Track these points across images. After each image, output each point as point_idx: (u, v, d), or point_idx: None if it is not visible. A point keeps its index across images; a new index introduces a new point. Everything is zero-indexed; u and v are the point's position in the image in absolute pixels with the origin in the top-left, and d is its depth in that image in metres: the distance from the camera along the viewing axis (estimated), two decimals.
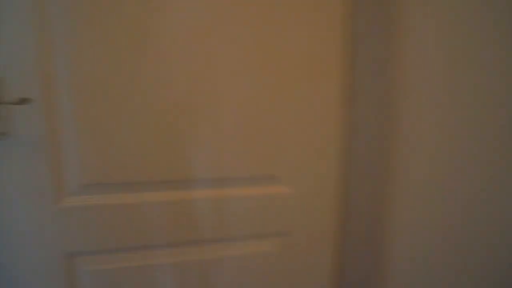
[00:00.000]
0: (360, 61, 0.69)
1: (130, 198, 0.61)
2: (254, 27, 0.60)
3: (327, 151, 0.70)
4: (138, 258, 0.63)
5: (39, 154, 0.54)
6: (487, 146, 0.54)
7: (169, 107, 0.59)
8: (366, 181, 0.76)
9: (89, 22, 0.52)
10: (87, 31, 0.52)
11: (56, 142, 0.55)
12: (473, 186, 0.57)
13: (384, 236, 0.75)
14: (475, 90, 0.54)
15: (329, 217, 0.74)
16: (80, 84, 0.54)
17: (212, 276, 0.68)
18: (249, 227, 0.69)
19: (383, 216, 0.74)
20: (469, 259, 0.59)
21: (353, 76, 0.69)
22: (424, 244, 0.66)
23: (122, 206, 0.61)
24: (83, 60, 0.53)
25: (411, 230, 0.69)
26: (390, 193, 0.72)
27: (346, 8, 0.64)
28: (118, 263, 0.63)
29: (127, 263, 0.63)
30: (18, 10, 0.48)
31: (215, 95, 0.61)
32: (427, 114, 0.63)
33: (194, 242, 0.66)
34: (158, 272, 0.65)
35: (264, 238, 0.71)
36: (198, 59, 0.59)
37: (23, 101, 0.48)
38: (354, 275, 0.80)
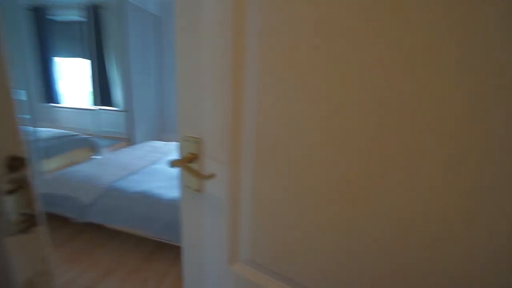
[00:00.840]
0: None
1: None
2: None
3: None
4: None
5: (222, 214, 0.57)
6: None
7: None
8: None
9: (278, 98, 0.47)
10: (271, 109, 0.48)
11: (235, 206, 0.56)
12: None
13: None
14: None
15: None
16: (266, 154, 0.50)
17: None
18: None
19: None
20: None
21: None
22: None
23: None
24: (268, 134, 0.49)
25: None
26: None
27: None
28: None
29: None
30: (222, 93, 0.51)
31: None
32: None
33: None
34: None
35: None
36: None
37: (210, 176, 0.54)
38: None
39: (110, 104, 4.14)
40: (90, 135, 3.61)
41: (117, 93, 4.14)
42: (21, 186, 0.41)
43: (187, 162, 0.56)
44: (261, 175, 0.51)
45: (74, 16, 3.95)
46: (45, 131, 3.36)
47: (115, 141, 4.25)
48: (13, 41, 2.41)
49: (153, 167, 2.23)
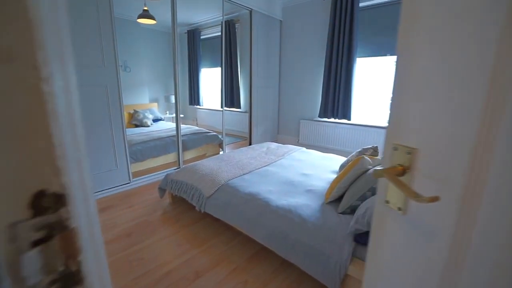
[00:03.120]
0: None
1: None
2: None
3: None
4: None
5: (436, 249, 0.47)
6: None
7: None
8: None
9: None
10: None
11: (460, 244, 0.43)
12: None
13: None
14: None
15: None
16: None
17: None
18: None
19: None
20: None
21: None
22: None
23: None
24: None
25: None
26: None
27: None
28: None
29: None
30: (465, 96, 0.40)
31: None
32: None
33: None
34: None
35: None
36: None
37: (432, 199, 0.42)
38: None
39: (235, 106, 4.63)
40: (219, 132, 4.14)
41: (242, 96, 4.57)
42: (52, 234, 0.27)
43: (395, 174, 0.48)
44: None
45: (216, 33, 4.67)
46: (187, 128, 4.12)
47: (238, 139, 4.73)
48: (172, 58, 3.04)
49: (266, 169, 2.23)
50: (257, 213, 1.60)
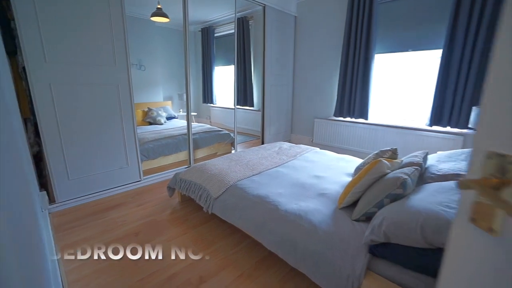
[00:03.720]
0: None
1: None
2: None
3: None
4: None
5: None
6: None
7: None
8: None
9: None
10: None
11: None
12: None
13: None
14: None
15: None
16: None
17: None
18: None
19: None
20: None
21: None
22: None
23: None
24: None
25: None
26: None
27: None
28: None
29: None
30: None
31: None
32: None
33: None
34: None
35: None
36: None
37: None
38: None
39: (248, 104, 4.56)
40: (231, 131, 4.08)
41: (255, 94, 4.50)
42: None
43: (488, 187, 0.40)
44: None
45: (229, 30, 4.61)
46: (199, 126, 4.10)
47: (250, 138, 4.66)
48: (190, 56, 3.01)
49: (277, 170, 2.14)
50: (265, 217, 1.52)
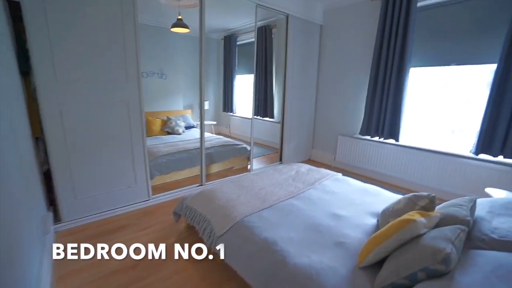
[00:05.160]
0: None
1: None
2: None
3: None
4: None
5: None
6: None
7: None
8: None
9: None
10: None
11: None
12: None
13: None
14: None
15: None
16: None
17: None
18: None
19: None
20: None
21: None
22: None
23: None
24: None
25: None
26: None
27: None
28: None
29: None
30: None
31: None
32: None
33: None
34: None
35: None
36: None
37: None
38: None
39: (268, 115, 4.36)
40: (247, 142, 3.89)
41: (275, 105, 4.28)
42: None
43: None
44: None
45: (252, 38, 4.46)
46: (216, 139, 3.97)
47: (268, 151, 4.45)
48: (208, 64, 2.89)
49: (291, 203, 1.92)
50: (270, 272, 1.30)
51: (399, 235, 1.12)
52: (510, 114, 2.36)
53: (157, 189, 2.75)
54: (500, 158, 2.49)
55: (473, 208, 1.41)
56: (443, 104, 3.01)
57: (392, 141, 3.24)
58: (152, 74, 4.41)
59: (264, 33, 4.05)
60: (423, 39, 2.95)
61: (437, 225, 1.26)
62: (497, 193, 2.18)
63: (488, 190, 2.25)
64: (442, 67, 2.91)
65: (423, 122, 3.19)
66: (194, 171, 3.34)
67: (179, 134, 4.38)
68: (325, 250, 1.38)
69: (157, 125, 4.33)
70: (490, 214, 1.40)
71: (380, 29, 3.13)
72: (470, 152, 2.66)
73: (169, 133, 4.37)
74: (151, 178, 2.70)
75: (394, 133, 3.16)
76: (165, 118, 4.49)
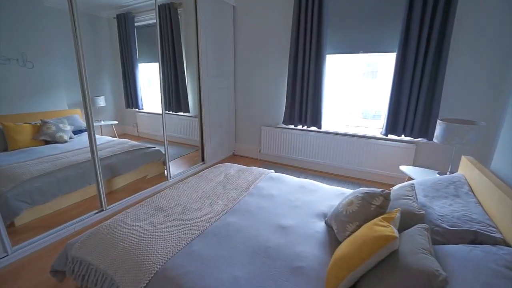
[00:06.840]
0: None
1: None
2: None
3: None
4: None
5: None
6: None
7: None
8: None
9: None
10: None
11: None
12: None
13: None
14: None
15: None
16: None
17: None
18: None
19: None
20: None
21: None
22: None
23: None
24: None
25: None
26: None
27: None
28: None
29: None
30: None
31: None
32: None
33: None
34: None
35: None
36: None
37: None
38: None
39: (182, 110, 3.77)
40: (161, 141, 3.24)
41: (190, 98, 3.73)
42: None
43: None
44: None
45: (153, 19, 3.69)
46: (119, 144, 3.14)
47: (188, 150, 3.89)
48: (99, 50, 2.06)
49: (226, 222, 1.52)
50: None
51: (378, 256, 0.90)
52: (408, 98, 2.62)
53: (26, 231, 1.88)
54: (402, 137, 2.80)
55: (416, 196, 1.37)
56: (356, 90, 3.17)
57: (315, 128, 3.25)
58: (6, 61, 3.08)
59: (169, 13, 3.39)
60: (336, 26, 2.98)
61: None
62: (409, 170, 2.38)
63: (402, 167, 2.45)
64: (352, 54, 3.02)
65: (341, 108, 3.31)
66: (90, 191, 2.51)
67: (64, 142, 3.29)
68: (283, 285, 1.06)
69: (24, 133, 3.10)
70: (427, 199, 1.38)
71: (296, 12, 3.00)
72: (381, 133, 2.88)
73: (47, 142, 3.22)
74: (15, 214, 1.82)
75: (316, 120, 3.16)
76: (39, 122, 3.28)
